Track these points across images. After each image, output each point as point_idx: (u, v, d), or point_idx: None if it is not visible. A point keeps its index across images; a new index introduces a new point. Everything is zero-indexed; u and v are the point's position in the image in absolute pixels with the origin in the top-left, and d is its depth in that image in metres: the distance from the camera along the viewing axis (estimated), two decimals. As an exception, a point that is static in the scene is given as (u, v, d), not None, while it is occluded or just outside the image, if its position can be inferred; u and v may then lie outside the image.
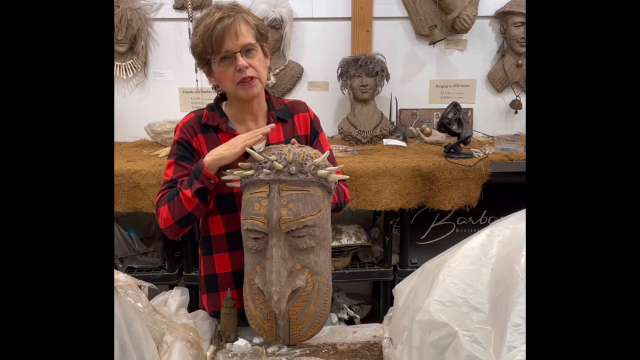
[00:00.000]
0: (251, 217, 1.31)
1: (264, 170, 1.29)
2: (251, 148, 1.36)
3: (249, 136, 1.38)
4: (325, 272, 1.38)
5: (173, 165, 1.49)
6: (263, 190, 1.30)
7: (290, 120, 1.58)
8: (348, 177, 1.41)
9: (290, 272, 1.33)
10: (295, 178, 1.28)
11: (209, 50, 1.41)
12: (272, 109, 1.56)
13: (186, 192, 1.39)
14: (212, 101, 1.59)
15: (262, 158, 1.30)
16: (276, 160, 1.28)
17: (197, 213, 1.43)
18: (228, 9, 1.42)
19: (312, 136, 1.60)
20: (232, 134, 1.50)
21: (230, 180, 1.36)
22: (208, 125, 1.51)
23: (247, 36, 1.41)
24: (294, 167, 1.28)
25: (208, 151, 1.49)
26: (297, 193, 1.29)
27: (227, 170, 1.36)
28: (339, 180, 1.57)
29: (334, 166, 1.56)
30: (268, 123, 1.54)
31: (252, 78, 1.43)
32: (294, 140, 1.40)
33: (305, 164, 1.29)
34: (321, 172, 1.30)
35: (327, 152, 1.37)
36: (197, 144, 1.50)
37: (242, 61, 1.40)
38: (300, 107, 1.61)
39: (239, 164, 1.34)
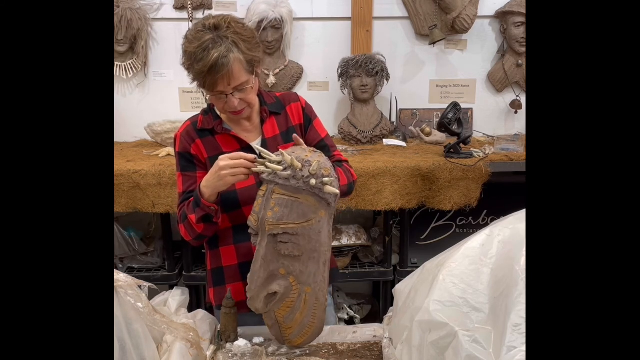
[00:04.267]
0: (251, 213, 1.34)
1: (266, 170, 1.29)
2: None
3: (232, 170, 1.34)
4: (314, 285, 1.36)
5: (181, 177, 1.54)
6: (262, 189, 1.32)
7: (283, 112, 1.59)
8: (338, 192, 1.31)
9: (272, 274, 1.34)
10: (288, 183, 1.27)
11: (201, 85, 1.42)
12: (264, 104, 1.57)
13: (191, 217, 1.44)
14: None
15: (277, 159, 1.29)
16: (279, 163, 1.28)
17: (208, 232, 1.49)
18: (222, 38, 1.35)
19: (306, 123, 1.61)
20: (228, 134, 1.53)
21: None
22: (204, 129, 1.53)
23: (239, 77, 1.39)
24: (289, 172, 1.27)
25: (208, 154, 1.52)
26: (286, 198, 1.28)
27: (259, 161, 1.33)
28: (342, 161, 1.59)
29: (333, 148, 1.58)
30: (261, 118, 1.56)
31: (242, 109, 1.46)
32: (295, 136, 1.40)
33: (302, 170, 1.27)
34: (312, 181, 1.26)
35: (319, 161, 1.30)
36: (196, 149, 1.52)
37: (233, 102, 1.42)
38: (291, 97, 1.62)
39: (270, 155, 1.32)
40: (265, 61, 2.76)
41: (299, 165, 1.26)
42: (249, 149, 1.52)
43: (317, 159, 1.29)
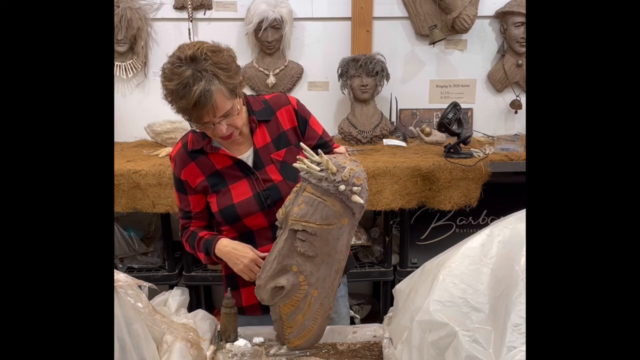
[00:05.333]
0: (282, 206, 1.37)
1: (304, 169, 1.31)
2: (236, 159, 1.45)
3: (249, 272, 1.49)
4: (321, 290, 1.37)
5: (177, 195, 1.61)
6: (297, 186, 1.34)
7: (274, 118, 1.55)
8: (363, 203, 1.32)
9: (284, 268, 1.36)
10: (320, 184, 1.28)
11: (186, 119, 1.43)
12: (251, 113, 1.53)
13: (200, 255, 1.58)
14: None
15: (318, 160, 1.29)
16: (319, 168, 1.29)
17: (214, 263, 1.63)
18: (201, 72, 1.33)
19: (302, 125, 1.57)
20: (217, 152, 1.52)
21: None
22: (195, 150, 1.53)
23: (223, 107, 1.38)
24: (323, 174, 1.28)
25: (205, 175, 1.53)
26: (314, 198, 1.29)
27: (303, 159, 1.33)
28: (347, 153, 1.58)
29: (331, 142, 1.59)
30: (250, 129, 1.53)
31: (231, 133, 1.45)
32: (303, 145, 1.36)
33: (335, 175, 1.27)
34: (341, 187, 1.27)
35: (352, 169, 1.30)
36: (186, 175, 1.54)
37: (221, 129, 1.41)
38: (281, 100, 1.57)
39: (313, 155, 1.32)
40: (265, 61, 2.77)
41: (334, 168, 1.27)
42: (240, 163, 1.52)
43: (353, 167, 1.30)
